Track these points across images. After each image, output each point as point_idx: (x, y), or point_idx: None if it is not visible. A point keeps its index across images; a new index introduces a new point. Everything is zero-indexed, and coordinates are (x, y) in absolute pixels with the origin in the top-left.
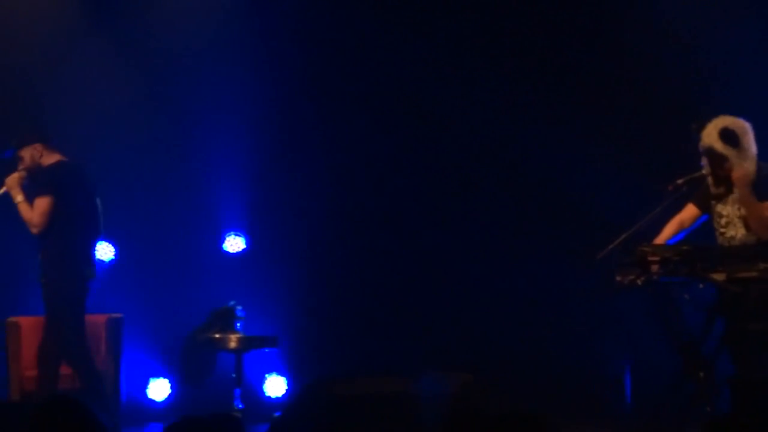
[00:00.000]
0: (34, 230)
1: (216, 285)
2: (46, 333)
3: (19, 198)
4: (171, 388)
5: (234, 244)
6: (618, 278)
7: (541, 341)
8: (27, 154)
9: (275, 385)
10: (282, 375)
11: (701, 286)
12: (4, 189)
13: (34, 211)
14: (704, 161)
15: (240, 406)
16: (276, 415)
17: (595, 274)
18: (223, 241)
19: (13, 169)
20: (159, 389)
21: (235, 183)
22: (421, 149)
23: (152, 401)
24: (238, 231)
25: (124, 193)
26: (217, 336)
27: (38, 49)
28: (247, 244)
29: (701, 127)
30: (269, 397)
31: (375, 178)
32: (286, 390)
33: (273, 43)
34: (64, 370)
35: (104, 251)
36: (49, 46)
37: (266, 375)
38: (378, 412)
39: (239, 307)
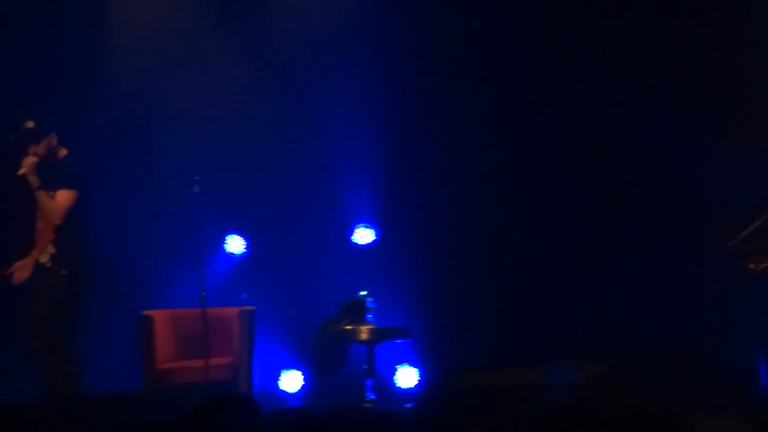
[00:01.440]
0: (57, 221)
1: (346, 276)
2: (58, 324)
3: (37, 183)
4: (303, 379)
5: (364, 235)
6: (751, 266)
7: (672, 331)
8: (45, 142)
9: (407, 376)
10: (413, 366)
11: None
12: (23, 170)
13: (60, 203)
14: None
15: (372, 397)
16: (408, 406)
17: (724, 262)
18: (352, 232)
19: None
20: (291, 381)
21: (365, 175)
22: (547, 142)
23: (284, 393)
24: (368, 223)
25: (254, 186)
26: (348, 327)
27: (163, 45)
28: (376, 235)
29: None
30: (401, 388)
31: (505, 169)
32: (418, 381)
33: (403, 35)
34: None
35: (236, 244)
36: (175, 42)
37: (397, 366)
38: (509, 403)
39: (370, 299)
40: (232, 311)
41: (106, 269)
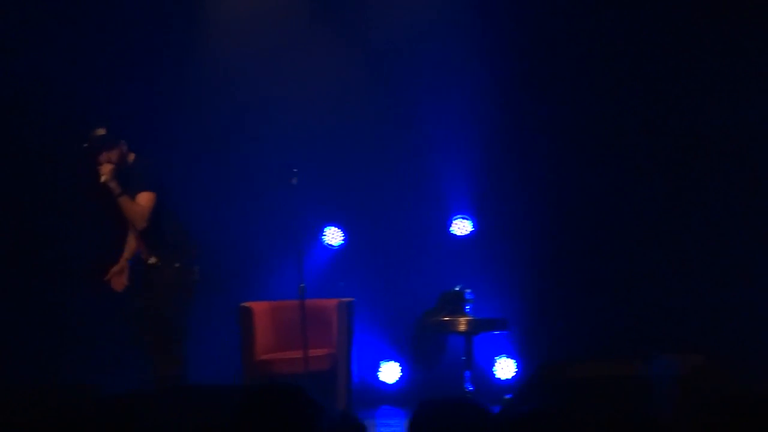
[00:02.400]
0: (142, 224)
1: (444, 268)
2: (174, 318)
3: (118, 190)
4: (401, 370)
5: (462, 227)
6: None
7: None
8: (117, 149)
9: (505, 368)
10: (512, 357)
11: None
12: (105, 178)
13: (143, 206)
14: None
15: (470, 388)
16: (506, 397)
17: None
18: (450, 224)
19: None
20: (390, 372)
21: (463, 167)
22: (645, 135)
23: (383, 384)
24: (466, 214)
25: (353, 178)
26: (446, 319)
27: (261, 37)
28: (474, 227)
29: None
30: (499, 379)
31: (603, 160)
32: (516, 372)
33: (502, 25)
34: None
35: (334, 236)
36: (273, 34)
37: (496, 357)
38: (609, 395)
39: (468, 290)
40: (330, 303)
41: (207, 261)
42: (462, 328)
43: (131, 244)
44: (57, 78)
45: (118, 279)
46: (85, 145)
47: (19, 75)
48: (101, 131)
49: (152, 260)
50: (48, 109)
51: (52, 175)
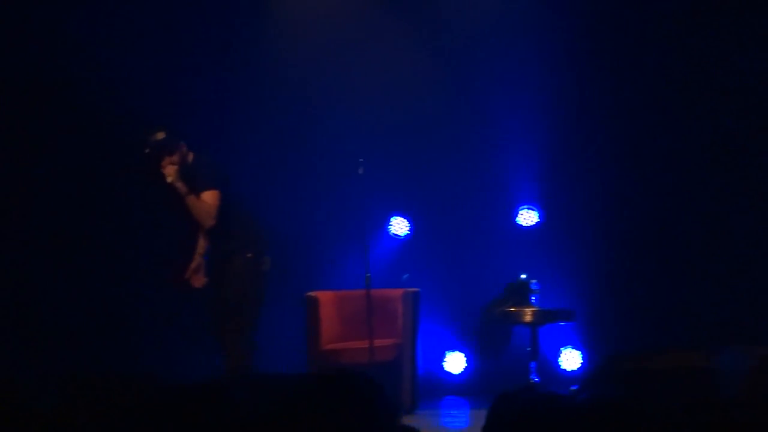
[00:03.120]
0: (210, 222)
1: (510, 258)
2: (246, 307)
3: (185, 189)
4: (467, 361)
5: (527, 217)
6: None
7: None
8: (178, 152)
9: (571, 359)
10: (577, 349)
11: None
12: (171, 178)
13: (209, 204)
14: None
15: (536, 379)
16: (572, 388)
17: None
18: (516, 214)
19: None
20: (455, 362)
21: (529, 157)
22: (712, 127)
23: (448, 374)
24: (532, 204)
25: (419, 168)
26: (512, 309)
27: (327, 28)
28: (540, 217)
29: None
30: (565, 370)
31: (671, 150)
32: (582, 364)
33: (570, 18)
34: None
35: (400, 226)
36: (339, 25)
37: (562, 348)
38: (677, 387)
39: (534, 281)
40: (396, 293)
41: (274, 251)
42: (528, 318)
43: (202, 239)
44: (126, 76)
45: (197, 276)
46: (147, 150)
47: (85, 77)
48: (160, 135)
49: (223, 249)
50: (118, 107)
51: (122, 172)
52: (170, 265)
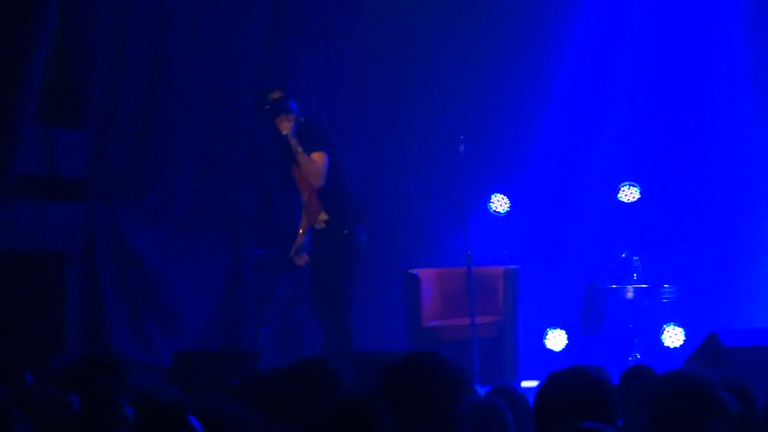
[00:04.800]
0: (319, 182)
1: (611, 235)
2: (342, 284)
3: (297, 146)
4: (568, 338)
5: (629, 194)
6: None
7: None
8: (293, 113)
9: (673, 336)
10: (679, 326)
11: None
12: (286, 132)
13: (319, 163)
14: None
15: (637, 355)
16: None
17: None
18: (618, 191)
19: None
20: (556, 339)
21: (630, 133)
22: None
23: (550, 351)
24: (633, 181)
25: (518, 145)
26: (614, 286)
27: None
28: (641, 194)
29: None
30: (667, 347)
31: None
32: (684, 340)
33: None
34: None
35: (501, 203)
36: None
37: (664, 325)
38: None
39: (636, 258)
40: (497, 270)
41: (375, 228)
42: (630, 295)
43: (305, 219)
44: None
45: (301, 256)
46: (267, 107)
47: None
48: (276, 94)
49: (319, 225)
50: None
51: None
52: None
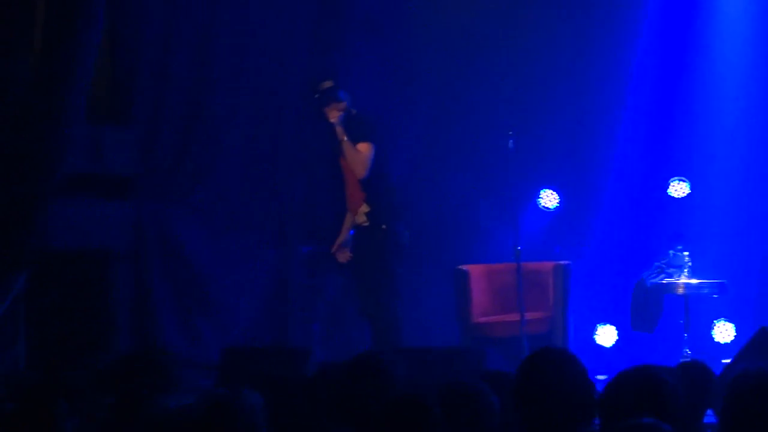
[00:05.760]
0: (363, 172)
1: (661, 230)
2: (384, 280)
3: (343, 135)
4: (617, 334)
5: (679, 189)
6: None
7: None
8: (343, 103)
9: (724, 331)
10: (731, 321)
11: None
12: (333, 120)
13: (364, 154)
14: None
15: (688, 351)
16: (725, 361)
17: None
18: (667, 186)
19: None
20: (606, 335)
21: (680, 127)
22: None
23: (600, 347)
24: (683, 176)
25: (567, 140)
26: (664, 282)
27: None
28: (692, 188)
29: None
30: (718, 343)
31: None
32: (735, 336)
33: None
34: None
35: (550, 199)
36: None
37: (715, 321)
38: None
39: (686, 253)
40: (546, 266)
41: (423, 225)
42: (680, 290)
43: (349, 214)
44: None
45: (343, 252)
46: (316, 95)
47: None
48: (328, 83)
49: (360, 219)
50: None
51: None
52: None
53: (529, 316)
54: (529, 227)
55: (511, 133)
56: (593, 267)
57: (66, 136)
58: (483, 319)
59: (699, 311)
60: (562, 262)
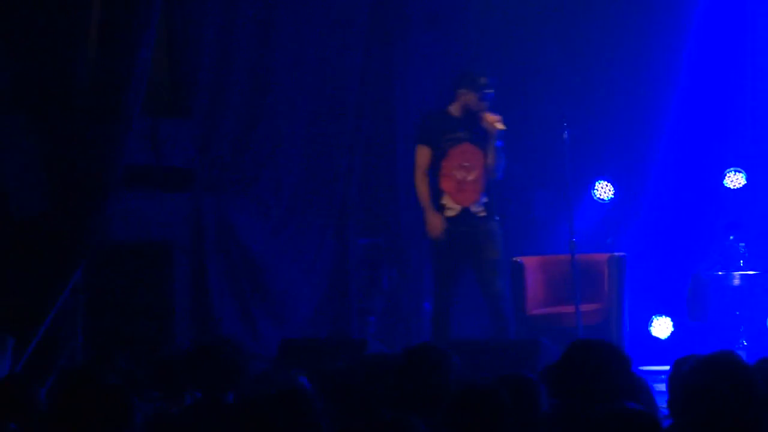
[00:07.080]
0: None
1: (717, 221)
2: (502, 266)
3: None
4: (673, 325)
5: (734, 180)
6: None
7: None
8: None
9: None
10: None
11: None
12: (501, 126)
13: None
14: None
15: (744, 342)
16: None
17: None
18: (723, 177)
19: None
20: (662, 326)
21: (736, 118)
22: None
23: (655, 339)
24: (738, 167)
25: (623, 131)
26: (720, 273)
27: None
28: (747, 179)
29: None
30: None
31: None
32: None
33: None
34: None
35: (605, 190)
36: None
37: None
38: None
39: (742, 244)
40: (602, 257)
41: None
42: (736, 282)
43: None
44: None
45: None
46: (487, 91)
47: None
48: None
49: (475, 208)
50: None
51: None
52: None
53: (584, 307)
54: (584, 219)
55: (566, 124)
56: (648, 258)
57: (127, 129)
58: (538, 311)
59: (755, 302)
60: (617, 254)
